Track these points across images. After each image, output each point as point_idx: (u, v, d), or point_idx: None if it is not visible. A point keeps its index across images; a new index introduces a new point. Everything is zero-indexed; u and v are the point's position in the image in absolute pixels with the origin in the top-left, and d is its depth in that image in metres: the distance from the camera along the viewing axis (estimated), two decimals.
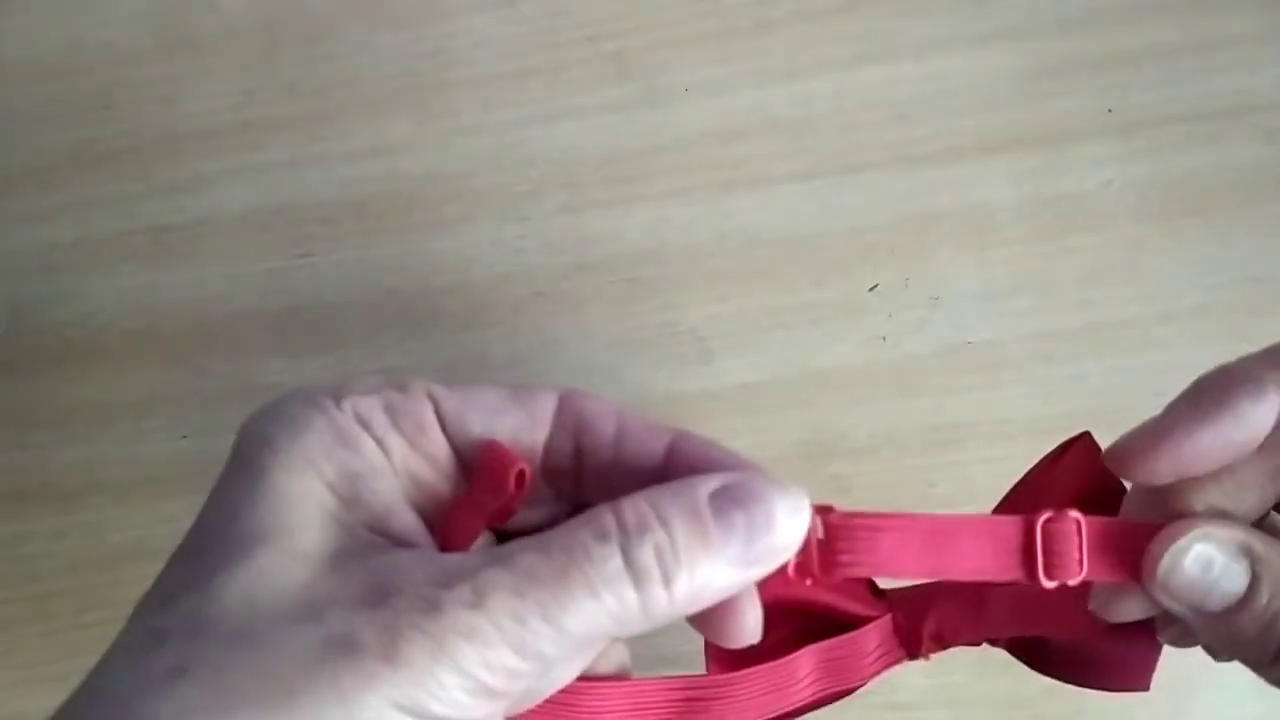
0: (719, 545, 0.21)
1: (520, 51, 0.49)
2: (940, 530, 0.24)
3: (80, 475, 0.46)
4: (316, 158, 0.48)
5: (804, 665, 0.28)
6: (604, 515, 0.21)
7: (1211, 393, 0.25)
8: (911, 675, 0.42)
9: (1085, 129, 0.46)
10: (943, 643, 0.30)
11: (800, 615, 0.29)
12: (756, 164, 0.47)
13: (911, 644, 0.30)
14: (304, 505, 0.21)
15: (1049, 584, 0.24)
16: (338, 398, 0.23)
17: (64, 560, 0.45)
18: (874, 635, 0.29)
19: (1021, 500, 0.30)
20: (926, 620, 0.29)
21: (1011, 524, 0.24)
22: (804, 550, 0.23)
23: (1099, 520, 0.24)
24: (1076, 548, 0.24)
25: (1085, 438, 0.29)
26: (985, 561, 0.24)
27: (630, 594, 0.21)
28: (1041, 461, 0.30)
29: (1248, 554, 0.24)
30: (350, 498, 0.22)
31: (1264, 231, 0.45)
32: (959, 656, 0.42)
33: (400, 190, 0.48)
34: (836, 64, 0.47)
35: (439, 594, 0.20)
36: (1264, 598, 0.24)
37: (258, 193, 0.48)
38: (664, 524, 0.21)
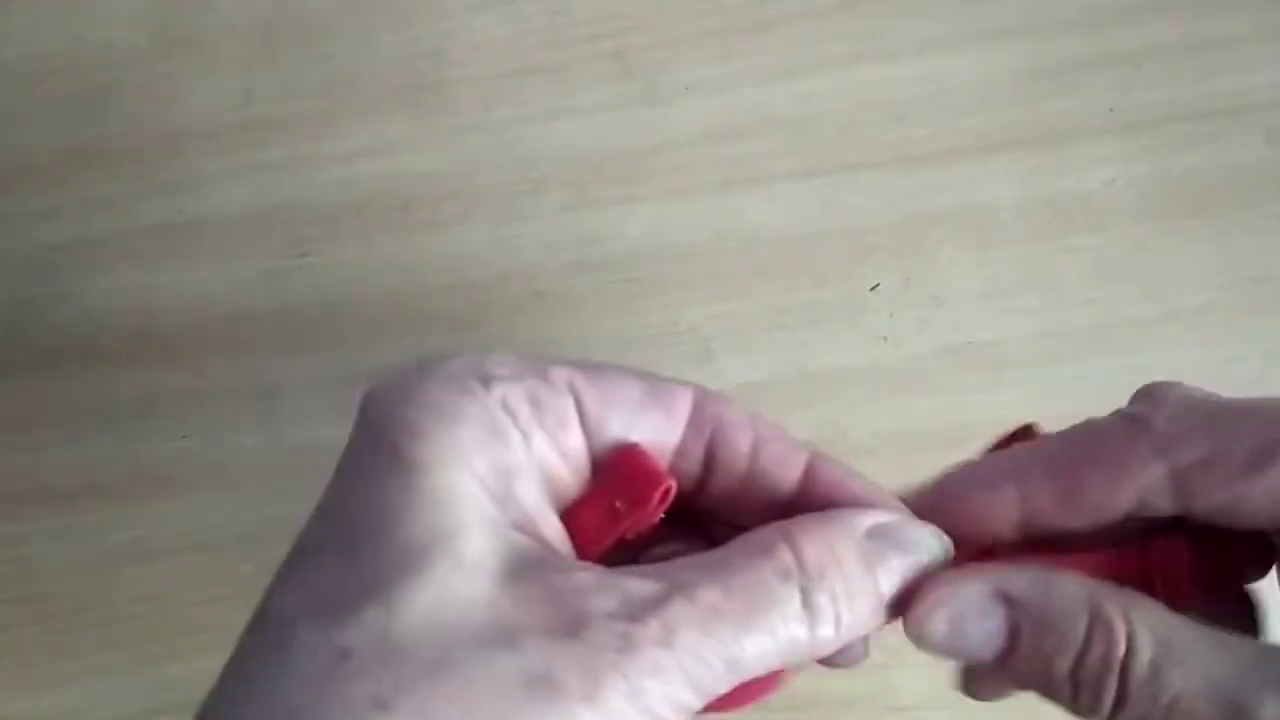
0: (880, 589, 0.22)
1: (520, 50, 0.48)
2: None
3: (79, 476, 0.46)
4: (316, 157, 0.48)
5: None
6: (783, 551, 0.21)
7: (951, 494, 0.25)
8: (912, 677, 0.42)
9: (1086, 128, 0.46)
10: None
11: None
12: (757, 163, 0.47)
13: None
14: (464, 507, 0.20)
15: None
16: (485, 381, 0.21)
17: (62, 561, 0.45)
18: None
19: None
20: None
21: (1129, 558, 0.24)
22: None
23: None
24: (1186, 578, 0.24)
25: (1030, 429, 0.29)
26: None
27: (803, 634, 0.21)
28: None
29: (1002, 599, 0.23)
30: (503, 496, 0.21)
31: (1266, 231, 0.45)
32: None
33: (400, 190, 0.48)
34: (837, 63, 0.47)
35: (632, 630, 0.19)
36: (1027, 644, 0.22)
37: (257, 192, 0.48)
38: (839, 565, 0.21)
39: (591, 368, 0.23)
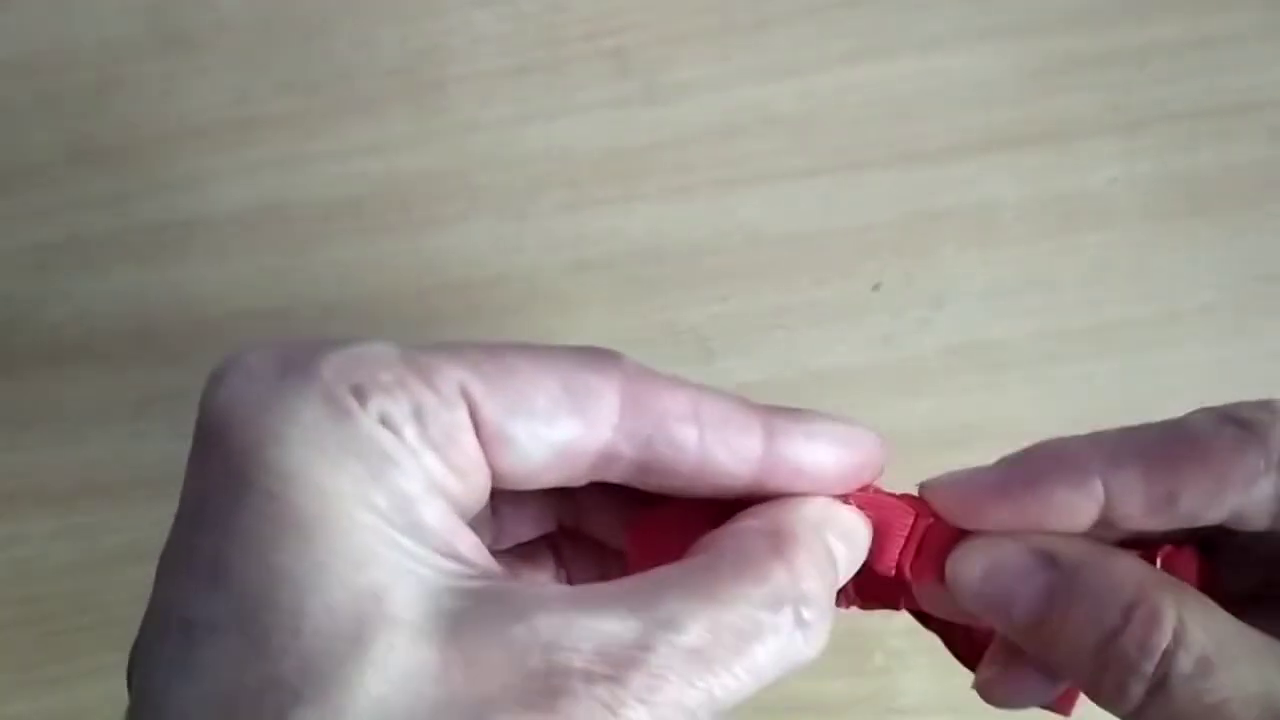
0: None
1: (519, 48, 0.48)
2: None
3: (75, 477, 0.46)
4: (312, 155, 0.48)
5: None
6: (779, 574, 0.19)
7: (1032, 473, 0.23)
8: (914, 680, 0.42)
9: (1090, 126, 0.46)
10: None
11: None
12: (757, 161, 0.46)
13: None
14: (378, 559, 0.17)
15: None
16: (360, 393, 0.18)
17: (58, 562, 0.45)
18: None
19: None
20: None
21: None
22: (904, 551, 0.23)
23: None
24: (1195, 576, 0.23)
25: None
26: None
27: (793, 657, 0.19)
28: None
29: (1048, 561, 0.22)
30: (411, 528, 0.18)
31: (1271, 230, 0.45)
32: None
33: (397, 188, 0.48)
34: (838, 60, 0.47)
35: (616, 693, 0.17)
36: (1062, 610, 0.21)
37: (253, 191, 0.48)
38: (824, 578, 0.20)
39: (493, 360, 0.19)
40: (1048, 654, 0.22)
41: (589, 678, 0.17)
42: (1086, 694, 0.22)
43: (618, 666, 0.17)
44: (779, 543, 0.20)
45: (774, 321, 0.45)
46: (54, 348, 0.47)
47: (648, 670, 0.17)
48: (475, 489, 0.19)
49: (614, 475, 0.20)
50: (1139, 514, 0.22)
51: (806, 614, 0.19)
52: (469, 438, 0.19)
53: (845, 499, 0.23)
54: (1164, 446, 0.22)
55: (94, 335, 0.47)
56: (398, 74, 0.49)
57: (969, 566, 0.22)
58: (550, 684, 0.16)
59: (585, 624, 0.17)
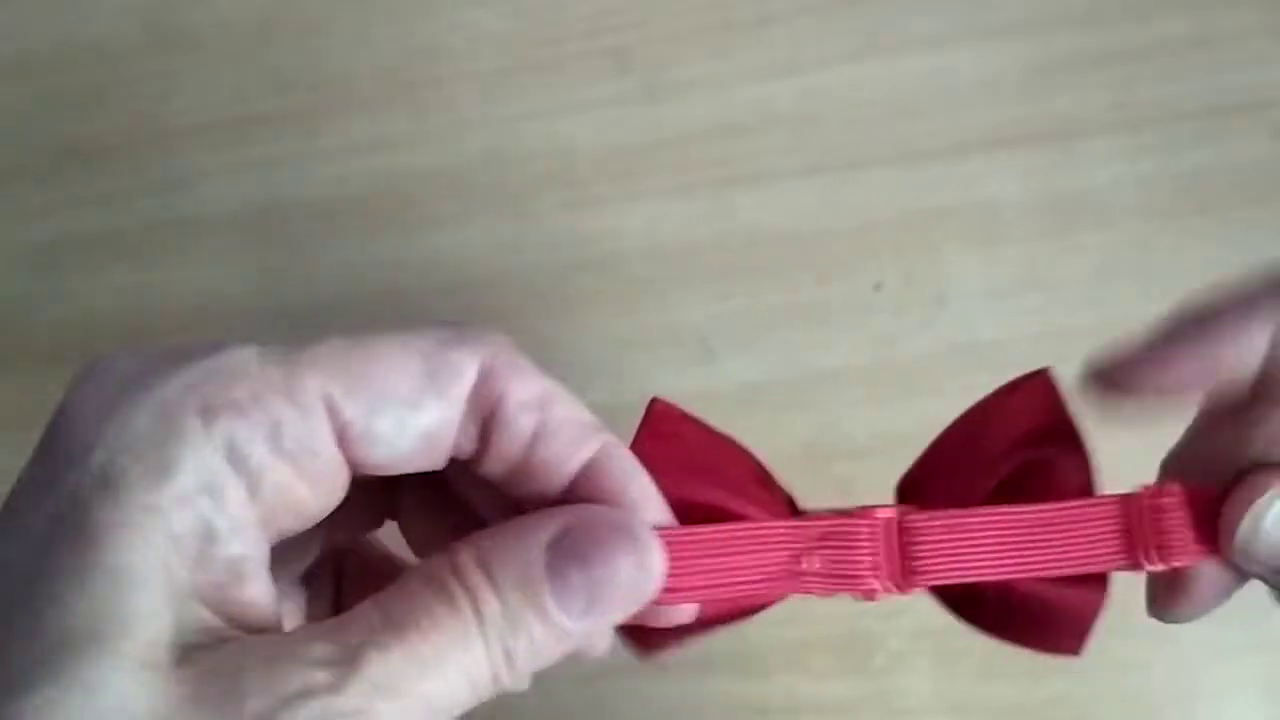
0: (555, 612, 0.19)
1: (518, 46, 0.48)
2: (1028, 522, 0.22)
3: None
4: (311, 154, 0.48)
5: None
6: (462, 601, 0.19)
7: (1201, 308, 0.23)
8: (917, 680, 0.42)
9: (1093, 125, 0.46)
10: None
11: None
12: (758, 160, 0.46)
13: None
14: (142, 586, 0.17)
15: (1158, 568, 0.22)
16: (209, 414, 0.18)
17: None
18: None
19: (965, 435, 0.28)
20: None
21: (1110, 504, 0.23)
22: (875, 561, 0.22)
23: (1197, 489, 0.23)
24: (1186, 524, 0.22)
25: (1044, 374, 0.27)
26: (1083, 552, 0.22)
27: (490, 680, 0.19)
28: (992, 396, 0.27)
29: None
30: (196, 558, 0.17)
31: (1273, 228, 0.45)
32: (962, 664, 0.42)
33: (397, 187, 0.47)
34: (839, 58, 0.47)
35: None
36: None
37: (252, 189, 0.48)
38: (496, 591, 0.19)
39: (357, 351, 0.19)
40: None
41: (265, 710, 0.16)
42: None
43: (292, 698, 0.17)
44: (461, 568, 0.19)
45: (774, 321, 0.45)
46: (51, 347, 0.47)
47: (345, 702, 0.17)
48: (329, 491, 0.19)
49: (459, 455, 0.20)
50: None
51: (501, 641, 0.19)
52: (326, 445, 0.19)
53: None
54: None
55: (91, 334, 0.47)
56: (396, 73, 0.49)
57: (1262, 523, 0.22)
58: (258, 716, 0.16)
59: (277, 665, 0.17)
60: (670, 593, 0.21)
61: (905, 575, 0.23)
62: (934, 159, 0.46)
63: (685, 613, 0.22)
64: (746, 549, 0.22)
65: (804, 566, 0.22)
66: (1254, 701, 0.41)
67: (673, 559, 0.21)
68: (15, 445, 0.46)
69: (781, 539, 0.22)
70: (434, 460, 0.20)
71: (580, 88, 0.48)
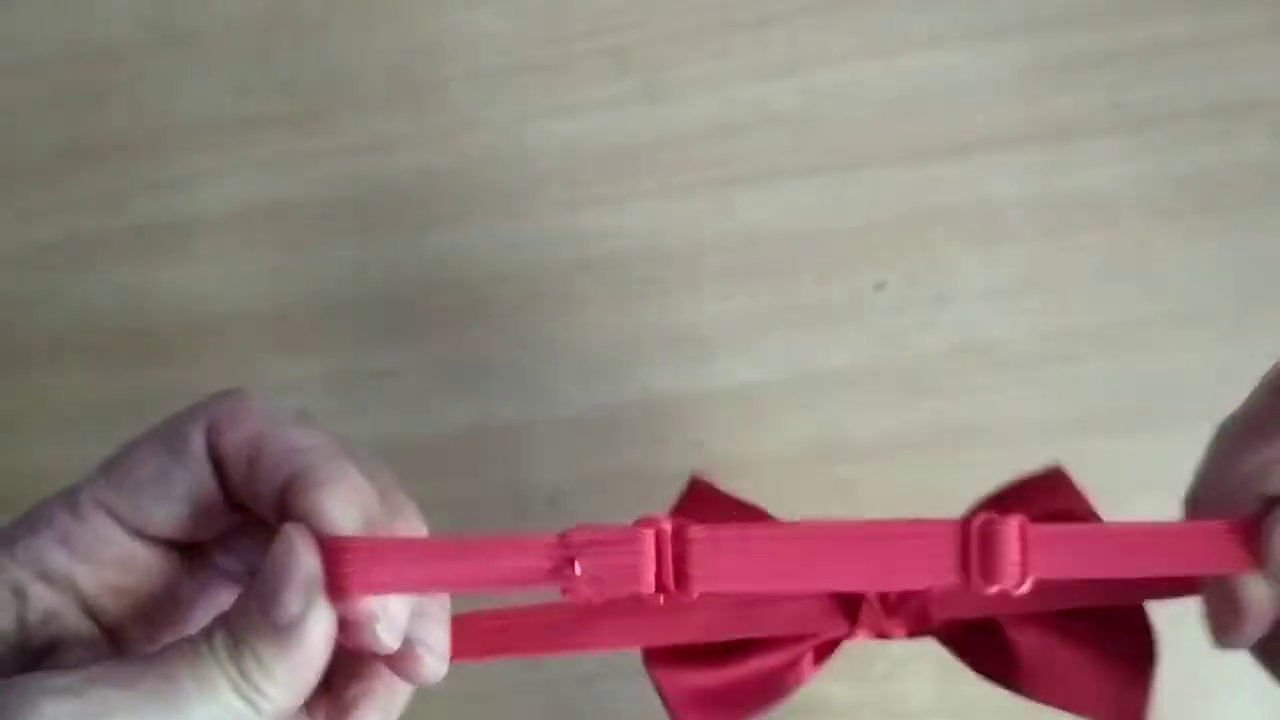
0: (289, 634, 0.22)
1: (519, 46, 0.48)
2: (833, 533, 0.23)
3: (72, 476, 0.45)
4: (312, 154, 0.48)
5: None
6: (197, 640, 0.22)
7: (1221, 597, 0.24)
8: (915, 685, 0.42)
9: (1093, 124, 0.46)
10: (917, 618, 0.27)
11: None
12: (758, 160, 0.46)
13: (853, 611, 0.27)
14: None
15: (989, 589, 0.23)
16: (21, 540, 0.24)
17: None
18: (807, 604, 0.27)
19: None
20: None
21: (944, 527, 0.23)
22: (658, 569, 0.22)
23: (1046, 527, 0.23)
24: (1017, 550, 0.23)
25: (1056, 471, 0.27)
26: (907, 566, 0.23)
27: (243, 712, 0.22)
28: (1005, 489, 0.28)
29: None
30: (19, 614, 0.23)
31: (1274, 229, 0.45)
32: (963, 669, 0.42)
33: (397, 187, 0.47)
34: (839, 58, 0.47)
35: None
36: None
37: (253, 189, 0.48)
38: (249, 646, 0.22)
39: (118, 460, 0.24)
40: None
41: None
42: None
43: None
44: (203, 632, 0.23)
45: (775, 320, 0.45)
46: (52, 346, 0.47)
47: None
48: (144, 565, 0.24)
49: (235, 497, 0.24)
50: None
51: (238, 686, 0.22)
52: (115, 534, 0.24)
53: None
54: None
55: (92, 334, 0.47)
56: (397, 73, 0.49)
57: None
58: None
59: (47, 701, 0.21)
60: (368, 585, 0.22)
61: (680, 582, 0.23)
62: (934, 159, 0.46)
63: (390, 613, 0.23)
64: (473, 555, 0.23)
65: (575, 570, 0.22)
66: (1251, 699, 0.41)
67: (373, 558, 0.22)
68: (12, 444, 0.47)
69: (536, 548, 0.23)
70: (212, 511, 0.24)
71: (581, 88, 0.48)
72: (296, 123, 0.48)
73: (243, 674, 0.22)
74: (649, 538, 0.22)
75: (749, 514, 0.27)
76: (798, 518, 0.25)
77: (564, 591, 0.23)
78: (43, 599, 0.24)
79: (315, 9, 0.49)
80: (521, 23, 0.48)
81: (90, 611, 0.24)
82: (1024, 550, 0.22)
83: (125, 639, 0.25)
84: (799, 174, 0.46)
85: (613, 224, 0.46)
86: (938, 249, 0.45)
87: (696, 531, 0.23)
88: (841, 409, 0.44)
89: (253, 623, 0.22)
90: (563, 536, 0.22)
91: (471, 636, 0.25)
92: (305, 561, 0.22)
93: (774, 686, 0.25)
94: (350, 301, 0.47)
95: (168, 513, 0.24)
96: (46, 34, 0.50)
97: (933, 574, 0.23)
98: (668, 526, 0.23)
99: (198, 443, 0.24)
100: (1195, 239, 0.45)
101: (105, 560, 0.24)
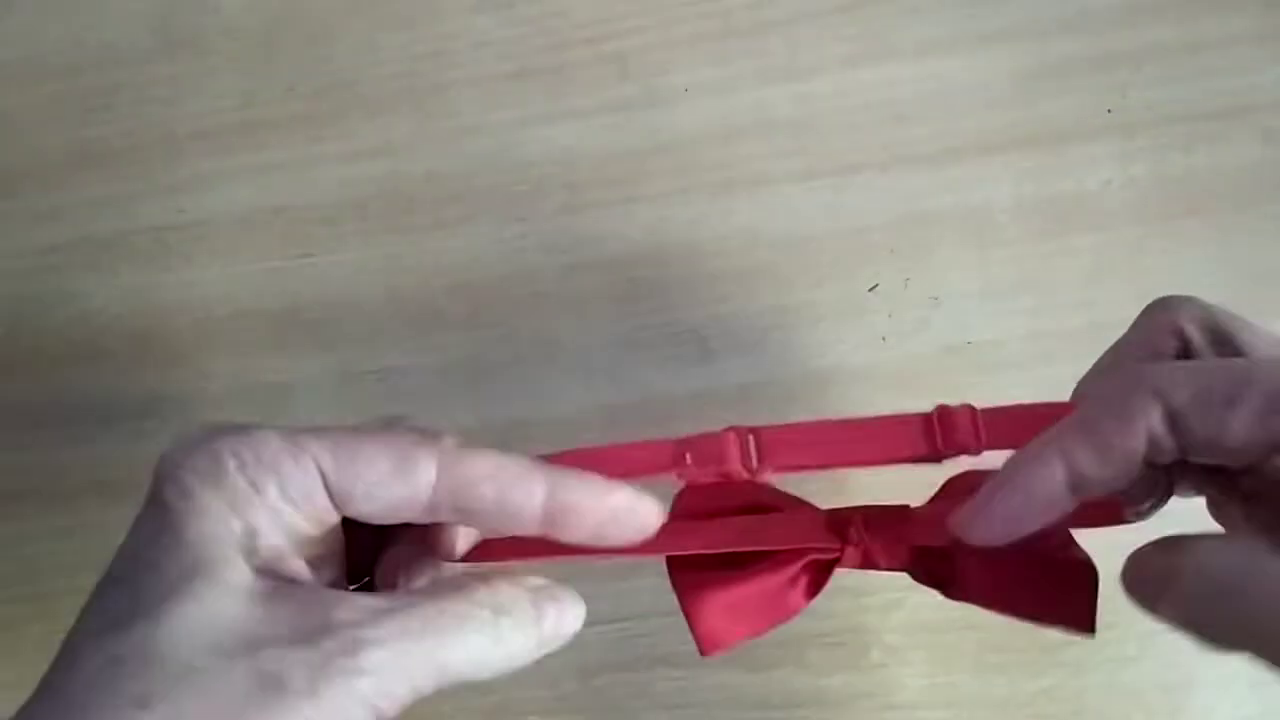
0: (540, 624, 0.28)
1: (520, 52, 0.49)
2: (853, 426, 0.29)
3: (82, 475, 0.46)
4: (317, 158, 0.48)
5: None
6: (480, 592, 0.27)
7: (1009, 474, 0.27)
8: (912, 675, 0.43)
9: (1085, 129, 0.46)
10: (873, 539, 0.31)
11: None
12: (756, 164, 0.47)
13: (841, 531, 0.31)
14: (220, 548, 0.25)
15: (949, 455, 0.29)
16: (240, 460, 0.26)
17: (66, 560, 0.45)
18: (804, 515, 0.31)
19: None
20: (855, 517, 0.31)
21: (914, 416, 0.29)
22: (741, 454, 0.29)
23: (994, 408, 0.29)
24: (971, 424, 0.29)
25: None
26: (894, 446, 0.29)
27: (489, 649, 0.26)
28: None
29: None
30: (249, 548, 0.26)
31: (1264, 232, 0.45)
32: (957, 658, 0.42)
33: (400, 190, 0.48)
34: (836, 64, 0.47)
35: (360, 634, 0.24)
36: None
37: (258, 193, 0.48)
38: (517, 604, 0.27)
39: (345, 445, 0.27)
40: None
41: (345, 625, 0.25)
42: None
43: (366, 620, 0.25)
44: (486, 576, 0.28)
45: (773, 322, 0.46)
46: (61, 348, 0.47)
47: (387, 625, 0.25)
48: (325, 525, 0.27)
49: (442, 518, 0.28)
50: (1093, 468, 0.26)
51: (500, 623, 0.27)
52: (320, 497, 0.27)
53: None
54: (1091, 409, 0.27)
55: (101, 335, 0.47)
56: (401, 78, 0.49)
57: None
58: (318, 628, 0.24)
59: (353, 602, 0.25)
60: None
61: (760, 463, 0.29)
62: (928, 163, 0.46)
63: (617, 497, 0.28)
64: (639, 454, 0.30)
65: (686, 460, 0.30)
66: (1243, 694, 0.42)
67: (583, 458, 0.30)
68: (22, 444, 0.47)
69: (662, 447, 0.30)
70: (409, 519, 0.27)
71: (581, 93, 0.48)
72: (302, 127, 0.48)
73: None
74: (732, 435, 0.29)
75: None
76: None
77: (679, 475, 0.30)
78: (260, 512, 0.26)
79: (320, 15, 0.50)
80: (522, 29, 0.49)
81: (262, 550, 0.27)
82: (974, 423, 0.29)
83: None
84: (795, 178, 0.46)
85: (613, 227, 0.47)
86: (931, 252, 0.46)
87: (763, 430, 0.30)
88: (837, 409, 0.45)
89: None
90: (678, 441, 0.30)
91: (521, 545, 0.30)
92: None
93: (778, 604, 0.30)
94: (354, 303, 0.47)
95: (369, 512, 0.27)
96: (56, 39, 0.50)
97: (911, 448, 0.29)
98: (744, 429, 0.30)
99: (427, 474, 0.27)
100: (1186, 241, 0.45)
101: (304, 510, 0.27)
